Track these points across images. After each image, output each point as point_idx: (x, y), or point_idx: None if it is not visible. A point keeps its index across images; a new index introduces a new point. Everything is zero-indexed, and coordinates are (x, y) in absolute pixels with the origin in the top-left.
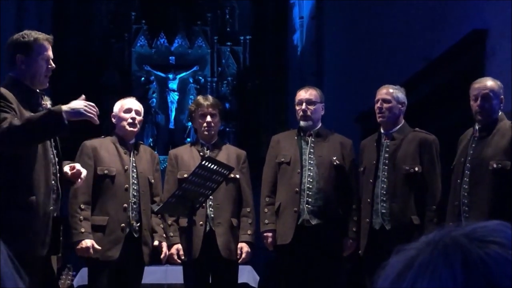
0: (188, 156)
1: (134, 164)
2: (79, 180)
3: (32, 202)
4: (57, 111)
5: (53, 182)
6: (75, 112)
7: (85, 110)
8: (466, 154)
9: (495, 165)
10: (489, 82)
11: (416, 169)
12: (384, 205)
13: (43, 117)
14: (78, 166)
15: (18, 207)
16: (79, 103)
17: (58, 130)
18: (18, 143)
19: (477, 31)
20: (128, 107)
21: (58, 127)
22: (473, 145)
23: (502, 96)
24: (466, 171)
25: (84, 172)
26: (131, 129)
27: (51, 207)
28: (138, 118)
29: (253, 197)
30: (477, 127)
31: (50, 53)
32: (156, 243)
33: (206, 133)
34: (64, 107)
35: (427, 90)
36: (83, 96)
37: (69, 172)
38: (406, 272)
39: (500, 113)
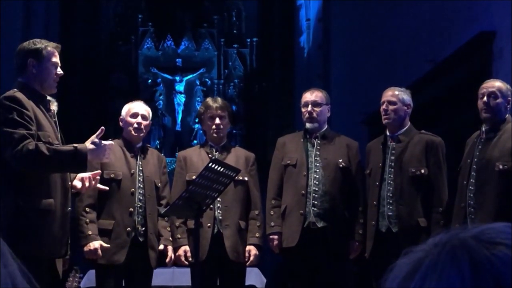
0: (197, 158)
1: (140, 168)
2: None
3: (51, 204)
4: (83, 152)
5: (69, 183)
6: (98, 156)
7: (106, 156)
8: (472, 156)
9: (501, 166)
10: (497, 83)
11: (422, 171)
12: (391, 207)
13: (69, 154)
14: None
15: (37, 209)
16: (102, 149)
17: (78, 170)
18: (37, 168)
19: (484, 33)
20: (134, 112)
21: (80, 167)
22: (480, 147)
23: (510, 98)
24: (472, 173)
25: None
26: (136, 134)
27: (69, 208)
28: (145, 123)
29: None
30: (483, 129)
31: (58, 60)
32: (161, 247)
33: (215, 135)
34: (90, 148)
35: (434, 92)
36: (102, 129)
37: (79, 186)
38: (413, 274)
39: (507, 115)
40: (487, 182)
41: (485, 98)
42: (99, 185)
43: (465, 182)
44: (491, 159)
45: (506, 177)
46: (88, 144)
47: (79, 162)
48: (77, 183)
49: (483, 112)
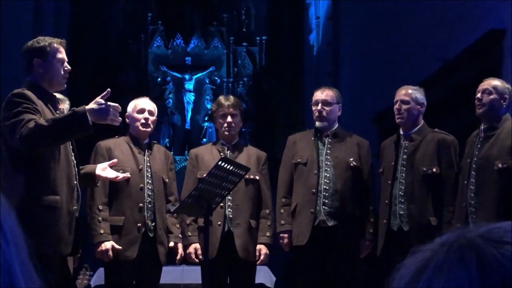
0: (208, 156)
1: (148, 164)
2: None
3: (57, 201)
4: (81, 112)
5: (75, 182)
6: (100, 116)
7: (111, 116)
8: (472, 155)
9: (500, 165)
10: (494, 81)
11: (434, 170)
12: (402, 206)
13: (68, 117)
14: (109, 170)
15: (43, 206)
16: (106, 108)
17: (82, 131)
18: (42, 142)
19: (495, 31)
20: (141, 108)
21: (83, 127)
22: (478, 146)
23: (507, 96)
24: (472, 172)
25: (120, 175)
26: (144, 129)
27: (74, 207)
28: (151, 118)
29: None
30: (482, 127)
31: (64, 56)
32: (171, 244)
33: (226, 133)
34: (89, 108)
35: (444, 90)
36: (108, 91)
37: (104, 174)
38: (421, 274)
39: (507, 114)
40: (487, 181)
41: (478, 95)
42: (122, 174)
43: (465, 181)
44: (490, 158)
45: (505, 175)
46: (90, 105)
47: (80, 122)
48: (101, 173)
49: (477, 108)
